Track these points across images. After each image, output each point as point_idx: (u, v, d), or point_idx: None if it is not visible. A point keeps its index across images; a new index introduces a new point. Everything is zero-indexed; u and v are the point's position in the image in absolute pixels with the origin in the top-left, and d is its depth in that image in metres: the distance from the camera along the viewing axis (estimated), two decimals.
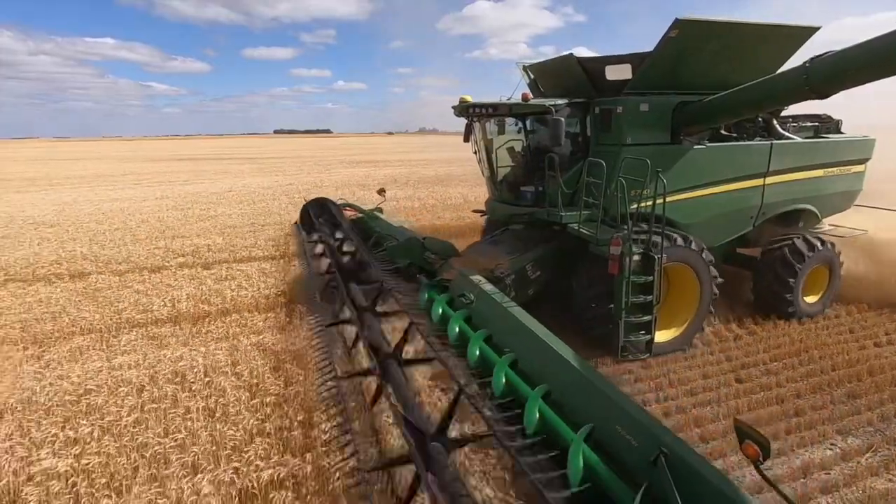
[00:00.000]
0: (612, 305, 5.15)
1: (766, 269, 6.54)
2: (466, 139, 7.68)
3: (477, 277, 5.23)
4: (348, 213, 9.69)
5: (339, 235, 8.39)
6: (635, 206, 5.18)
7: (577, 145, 6.36)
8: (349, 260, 6.97)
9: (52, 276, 8.11)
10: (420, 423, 3.12)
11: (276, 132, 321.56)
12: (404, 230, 7.95)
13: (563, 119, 5.88)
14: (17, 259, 9.14)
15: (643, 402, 4.39)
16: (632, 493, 2.45)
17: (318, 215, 10.36)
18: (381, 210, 9.49)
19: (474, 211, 8.80)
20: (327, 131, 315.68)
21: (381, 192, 10.39)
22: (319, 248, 8.15)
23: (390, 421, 3.58)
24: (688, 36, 5.48)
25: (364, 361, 4.49)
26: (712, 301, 5.88)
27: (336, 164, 34.38)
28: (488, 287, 4.99)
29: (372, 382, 3.99)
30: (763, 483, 2.43)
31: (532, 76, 7.82)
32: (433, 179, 23.33)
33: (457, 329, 4.54)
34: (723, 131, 6.64)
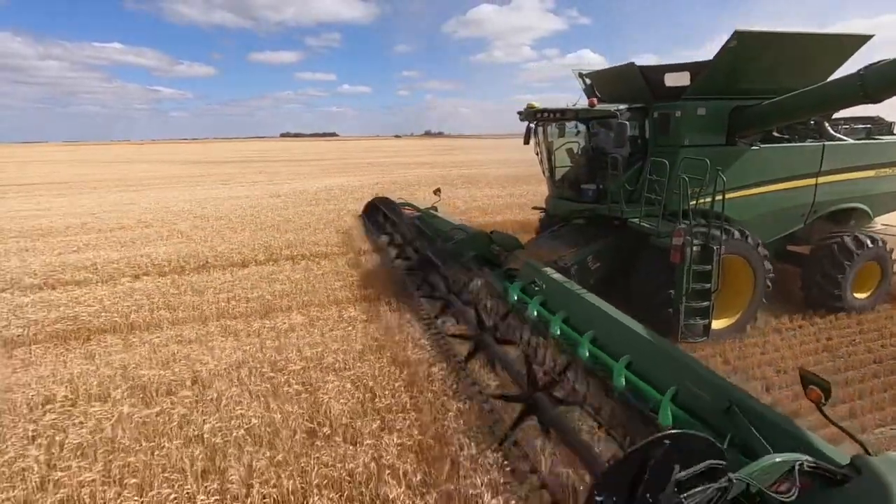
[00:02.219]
0: (671, 291, 5.50)
1: (815, 265, 6.75)
2: (526, 142, 8.06)
3: (544, 267, 5.61)
4: (406, 212, 10.18)
5: (405, 232, 8.91)
6: (694, 202, 5.52)
7: (636, 147, 6.73)
8: (425, 254, 7.47)
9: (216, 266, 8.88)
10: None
11: (282, 135, 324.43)
12: (465, 226, 8.36)
13: (627, 123, 6.29)
14: (178, 252, 9.72)
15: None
16: (718, 441, 2.75)
17: (382, 214, 10.85)
18: (436, 209, 9.90)
19: (534, 208, 9.21)
20: (333, 134, 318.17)
21: (437, 191, 10.77)
22: (390, 243, 8.81)
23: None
24: (745, 46, 5.82)
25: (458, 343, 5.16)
26: (765, 294, 6.13)
27: (369, 166, 35.14)
28: (556, 276, 5.36)
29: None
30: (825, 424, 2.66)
31: (587, 82, 8.22)
32: (471, 179, 23.81)
33: (535, 312, 4.95)
34: (775, 133, 6.93)
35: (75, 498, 3.12)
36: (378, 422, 3.84)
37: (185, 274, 8.36)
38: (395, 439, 3.61)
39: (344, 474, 3.28)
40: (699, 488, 2.13)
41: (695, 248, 5.36)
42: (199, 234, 11.62)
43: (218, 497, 3.11)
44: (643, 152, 6.65)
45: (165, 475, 3.30)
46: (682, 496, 2.10)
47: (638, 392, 3.49)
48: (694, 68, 6.30)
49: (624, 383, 3.59)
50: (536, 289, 5.22)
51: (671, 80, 6.52)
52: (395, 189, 18.25)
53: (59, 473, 3.29)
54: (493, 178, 23.72)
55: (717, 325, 5.81)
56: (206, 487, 3.17)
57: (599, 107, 6.60)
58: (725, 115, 6.35)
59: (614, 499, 2.12)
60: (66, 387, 4.44)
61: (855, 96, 5.19)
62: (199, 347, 5.35)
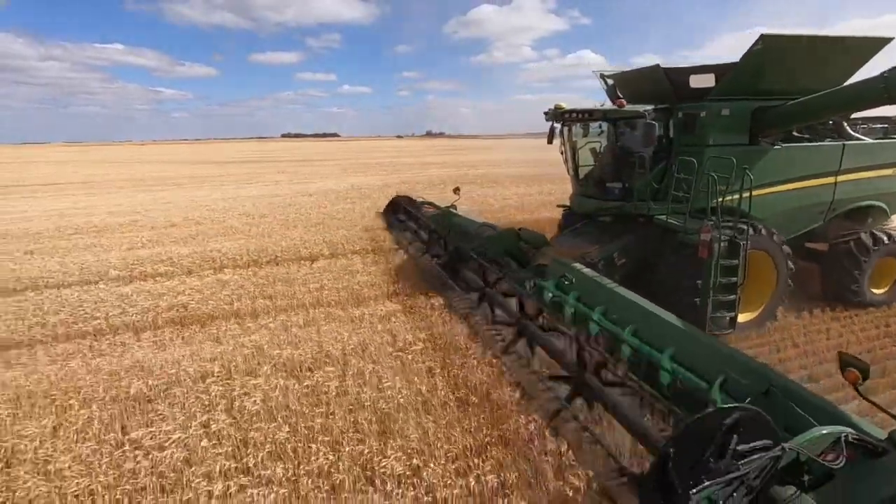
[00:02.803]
0: (698, 285, 5.67)
1: (834, 261, 7.04)
2: (550, 141, 8.19)
3: (575, 263, 5.87)
4: (426, 210, 10.54)
5: (430, 228, 9.07)
6: (720, 199, 5.77)
7: (660, 146, 6.97)
8: (452, 249, 7.60)
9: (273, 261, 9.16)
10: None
11: (283, 136, 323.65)
12: (488, 223, 8.70)
13: (655, 123, 6.53)
14: (244, 247, 10.07)
15: None
16: None
17: (404, 212, 11.16)
18: (455, 207, 10.12)
19: (559, 206, 9.45)
20: (334, 135, 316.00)
21: (456, 190, 10.97)
22: (418, 240, 9.08)
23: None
24: (771, 49, 6.09)
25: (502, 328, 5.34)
26: (786, 291, 6.40)
27: (385, 167, 35.55)
28: (587, 271, 5.62)
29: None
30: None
31: (609, 83, 8.47)
32: (494, 179, 24.22)
33: (573, 308, 5.10)
34: (794, 133, 7.18)
35: (279, 452, 3.55)
36: (518, 392, 4.27)
37: (262, 266, 8.77)
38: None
39: (507, 433, 3.71)
40: (755, 456, 2.40)
41: (722, 244, 5.57)
42: (253, 230, 12.02)
43: (402, 453, 3.54)
44: (667, 151, 6.92)
45: (348, 435, 3.73)
46: (738, 463, 2.38)
47: (684, 380, 3.71)
48: (718, 70, 6.58)
49: (671, 372, 3.81)
50: (567, 283, 5.44)
51: (696, 81, 6.78)
52: (419, 188, 18.61)
53: (254, 433, 3.73)
54: (516, 177, 24.14)
55: (739, 318, 5.99)
56: (391, 444, 3.60)
57: (627, 107, 6.81)
58: (748, 116, 6.61)
59: (683, 457, 2.38)
60: (216, 364, 4.87)
61: (879, 98, 5.44)
62: (314, 330, 5.77)
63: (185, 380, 4.56)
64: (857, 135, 7.47)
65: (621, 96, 8.17)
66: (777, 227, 6.46)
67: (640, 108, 6.76)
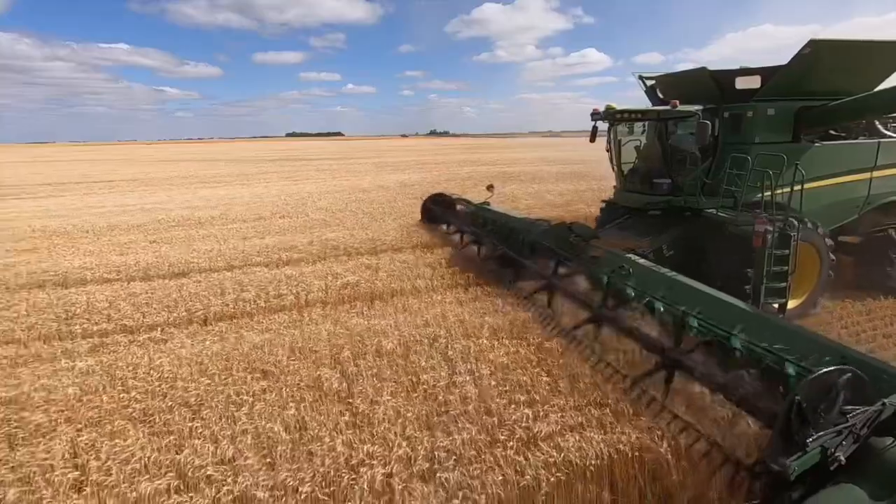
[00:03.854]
0: (749, 271, 6.02)
1: (870, 251, 7.58)
2: (592, 140, 8.91)
3: (628, 254, 6.18)
4: (462, 207, 10.99)
5: (479, 224, 9.38)
6: (769, 193, 6.22)
7: (707, 144, 7.21)
8: (505, 243, 7.92)
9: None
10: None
11: (288, 135, 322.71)
12: (542, 219, 8.89)
13: (709, 122, 6.78)
14: (353, 236, 10.71)
15: None
16: None
17: (442, 208, 11.62)
18: (488, 204, 10.37)
19: (603, 201, 9.74)
20: (339, 134, 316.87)
21: (490, 187, 11.33)
22: (462, 236, 9.56)
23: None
24: (818, 53, 6.56)
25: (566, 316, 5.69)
26: (828, 281, 6.85)
27: (406, 166, 36.27)
28: (642, 261, 5.94)
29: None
30: None
31: (647, 85, 9.09)
32: (534, 176, 24.85)
33: (633, 292, 5.23)
34: (831, 131, 7.62)
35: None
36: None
37: (391, 253, 9.49)
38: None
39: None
40: (859, 410, 2.71)
41: (774, 235, 5.94)
42: (349, 222, 12.75)
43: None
44: (713, 149, 7.30)
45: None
46: (847, 416, 2.73)
47: (755, 357, 3.78)
48: (764, 73, 7.06)
49: (742, 350, 3.88)
50: (623, 273, 5.63)
51: (742, 83, 7.25)
52: (456, 186, 18.84)
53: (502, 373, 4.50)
54: (555, 175, 24.84)
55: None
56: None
57: (680, 107, 7.10)
58: (791, 115, 7.06)
59: (802, 410, 2.74)
60: (430, 328, 5.61)
61: None
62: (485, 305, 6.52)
63: (422, 340, 5.30)
64: (889, 133, 7.86)
65: (662, 97, 8.89)
66: (818, 220, 6.88)
67: (691, 108, 7.13)
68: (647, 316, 4.88)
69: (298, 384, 4.38)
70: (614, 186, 9.35)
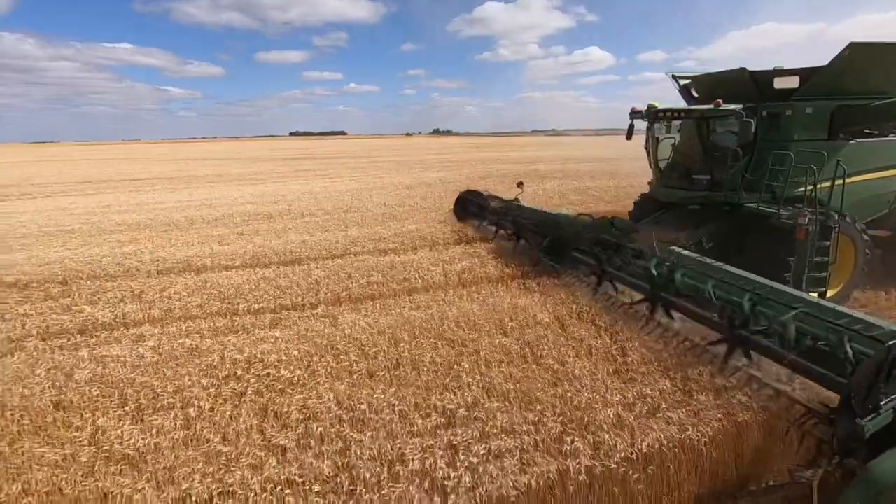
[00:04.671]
0: (791, 259, 6.37)
1: None
2: (629, 137, 9.30)
3: (671, 246, 6.50)
4: (493, 203, 11.23)
5: (519, 220, 9.41)
6: (810, 188, 6.65)
7: (748, 142, 7.64)
8: (554, 237, 8.05)
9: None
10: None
11: (292, 134, 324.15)
12: (584, 213, 9.19)
13: (752, 121, 7.14)
14: (421, 231, 11.06)
15: None
16: None
17: (476, 204, 11.85)
18: (518, 200, 10.65)
19: (642, 195, 10.06)
20: (342, 133, 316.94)
21: (520, 184, 11.66)
22: (505, 231, 9.79)
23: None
24: (857, 55, 6.92)
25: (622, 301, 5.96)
26: (863, 274, 7.21)
27: (428, 165, 36.87)
28: (686, 252, 6.30)
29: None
30: None
31: (680, 84, 9.54)
32: (568, 174, 25.40)
33: (683, 280, 5.37)
34: (865, 130, 7.96)
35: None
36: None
37: (480, 242, 10.08)
38: None
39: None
40: None
41: (815, 228, 6.37)
42: (418, 216, 13.30)
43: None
44: (751, 146, 7.64)
45: None
46: None
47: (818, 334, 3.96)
48: (803, 73, 7.43)
49: (793, 334, 4.02)
50: (668, 265, 5.83)
51: (780, 83, 7.59)
52: (490, 183, 18.99)
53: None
54: (589, 172, 25.36)
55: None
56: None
57: (724, 106, 7.44)
58: (828, 114, 7.41)
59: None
60: (557, 310, 6.20)
61: None
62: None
63: (571, 314, 5.91)
64: None
65: (697, 95, 9.38)
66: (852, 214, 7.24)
67: (734, 107, 7.47)
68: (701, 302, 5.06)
69: (487, 349, 4.97)
70: (649, 182, 9.84)
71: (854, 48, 6.88)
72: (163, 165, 40.42)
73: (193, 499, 2.98)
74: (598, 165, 28.75)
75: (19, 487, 3.07)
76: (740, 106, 7.51)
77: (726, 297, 4.77)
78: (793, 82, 7.56)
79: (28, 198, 21.02)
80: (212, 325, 5.93)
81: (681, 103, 9.61)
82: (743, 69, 8.01)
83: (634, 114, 8.72)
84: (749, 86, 7.89)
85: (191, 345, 5.21)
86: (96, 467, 3.27)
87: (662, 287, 5.41)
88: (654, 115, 8.48)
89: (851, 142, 7.57)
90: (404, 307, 6.45)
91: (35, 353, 5.17)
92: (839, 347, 3.58)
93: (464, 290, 7.26)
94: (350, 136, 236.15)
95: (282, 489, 3.06)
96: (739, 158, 7.55)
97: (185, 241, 10.86)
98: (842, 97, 7.40)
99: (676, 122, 8.92)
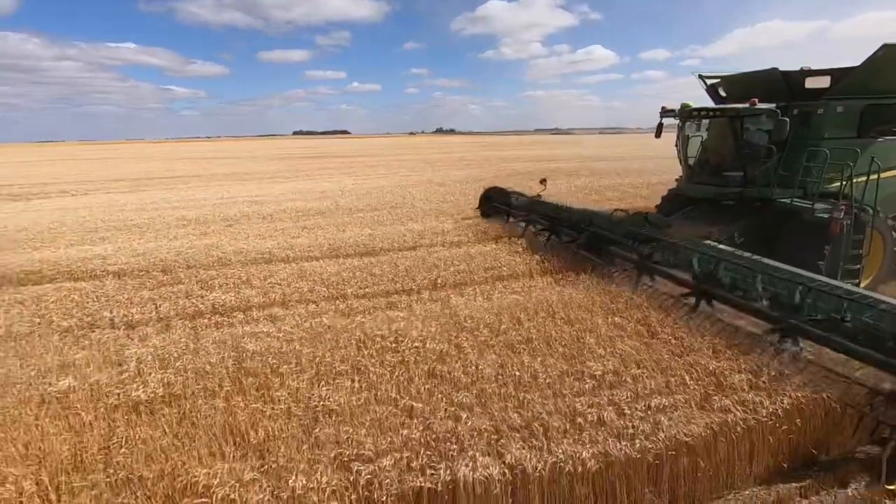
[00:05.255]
0: (826, 248, 6.59)
1: None
2: (658, 135, 9.63)
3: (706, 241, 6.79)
4: (517, 199, 11.66)
5: (552, 216, 9.79)
6: (843, 184, 6.94)
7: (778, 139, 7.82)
8: (589, 232, 8.48)
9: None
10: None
11: (295, 133, 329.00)
12: (620, 209, 9.40)
13: (787, 119, 7.26)
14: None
15: None
16: None
17: (502, 201, 12.22)
18: (540, 197, 11.11)
19: (671, 190, 10.32)
20: (345, 132, 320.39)
21: (543, 181, 12.10)
22: (535, 227, 10.14)
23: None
24: (890, 56, 7.15)
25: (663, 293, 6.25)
26: (891, 267, 7.48)
27: (447, 164, 37.34)
28: (723, 246, 6.55)
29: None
30: None
31: (708, 83, 9.75)
32: (595, 171, 25.90)
33: (728, 276, 5.68)
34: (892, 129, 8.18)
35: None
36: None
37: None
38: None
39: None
40: None
41: (850, 222, 6.62)
42: (468, 211, 13.75)
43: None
44: (784, 144, 7.81)
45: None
46: None
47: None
48: (835, 73, 7.68)
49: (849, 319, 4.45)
50: (711, 259, 6.05)
51: (811, 83, 7.85)
52: (516, 181, 19.05)
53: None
54: (617, 170, 25.86)
55: None
56: None
57: (759, 105, 7.64)
58: (858, 113, 7.69)
59: None
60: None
61: None
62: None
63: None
64: None
65: (725, 95, 9.63)
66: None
67: (769, 106, 7.71)
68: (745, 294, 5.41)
69: (603, 327, 5.42)
70: (677, 179, 10.19)
71: (889, 49, 7.09)
72: (183, 164, 41.05)
73: (412, 445, 3.45)
74: (620, 164, 29.24)
75: (262, 433, 3.57)
76: (772, 105, 7.79)
77: (774, 288, 5.04)
78: (824, 82, 7.82)
79: (68, 195, 21.54)
80: (333, 307, 6.43)
81: (707, 102, 9.84)
82: (775, 69, 8.28)
83: (666, 113, 9.07)
84: (780, 85, 8.15)
85: (327, 323, 5.69)
86: (319, 418, 3.76)
87: (706, 280, 5.72)
88: (687, 114, 8.72)
89: (879, 140, 7.84)
90: (502, 292, 6.93)
91: (188, 331, 5.67)
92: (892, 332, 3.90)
93: (554, 275, 7.65)
94: (354, 136, 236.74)
95: (489, 435, 3.55)
96: (773, 155, 7.78)
97: (254, 234, 11.35)
98: (872, 97, 7.67)
99: (705, 121, 9.14)
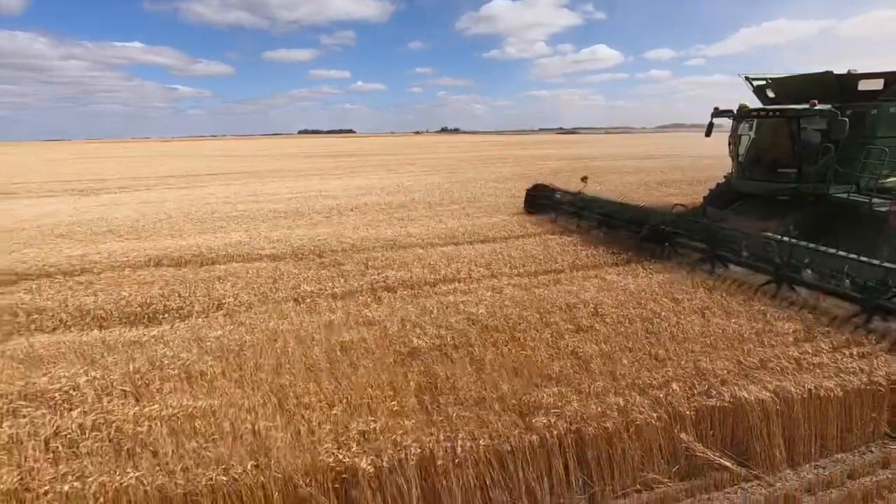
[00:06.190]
0: (882, 243, 6.88)
1: None
2: (708, 135, 10.18)
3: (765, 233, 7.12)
4: (559, 196, 12.39)
5: (606, 212, 10.30)
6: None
7: (827, 138, 8.46)
8: (652, 225, 8.75)
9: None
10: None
11: (300, 132, 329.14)
12: (681, 204, 10.33)
13: (846, 119, 7.72)
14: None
15: None
16: None
17: (547, 198, 12.80)
18: (581, 193, 11.71)
19: (719, 183, 10.93)
20: (350, 131, 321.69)
21: (584, 179, 12.72)
22: (587, 222, 10.73)
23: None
24: None
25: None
26: None
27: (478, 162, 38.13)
28: (780, 237, 6.92)
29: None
30: None
31: (755, 85, 10.42)
32: (640, 170, 26.60)
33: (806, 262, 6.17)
34: None
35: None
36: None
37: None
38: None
39: None
40: None
41: None
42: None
43: None
44: (836, 143, 8.34)
45: None
46: None
47: None
48: (887, 76, 8.22)
49: None
50: (787, 247, 6.49)
51: (865, 85, 8.37)
52: (562, 179, 19.36)
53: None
54: (662, 167, 26.55)
55: None
56: None
57: (819, 107, 8.09)
58: None
59: None
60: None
61: None
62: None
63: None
64: None
65: (773, 96, 10.32)
66: None
67: (827, 107, 8.23)
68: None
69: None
70: (726, 175, 10.81)
71: None
72: (215, 162, 41.83)
73: (684, 376, 4.28)
74: (656, 162, 30.11)
75: (557, 368, 4.46)
76: (827, 106, 8.27)
77: (854, 273, 5.60)
78: (877, 84, 8.40)
79: (129, 191, 22.32)
80: (506, 282, 7.26)
81: (753, 103, 10.28)
82: (829, 72, 8.93)
83: (720, 113, 9.69)
84: (834, 87, 8.63)
85: (519, 295, 6.55)
86: (590, 360, 4.62)
87: (785, 267, 6.27)
88: (746, 114, 9.29)
89: None
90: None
91: (405, 299, 6.55)
92: None
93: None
94: (359, 135, 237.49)
95: (733, 374, 4.37)
96: (829, 153, 8.25)
97: (360, 225, 12.07)
98: None
99: (756, 120, 9.65)
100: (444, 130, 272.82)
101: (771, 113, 9.18)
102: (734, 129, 10.05)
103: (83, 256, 8.98)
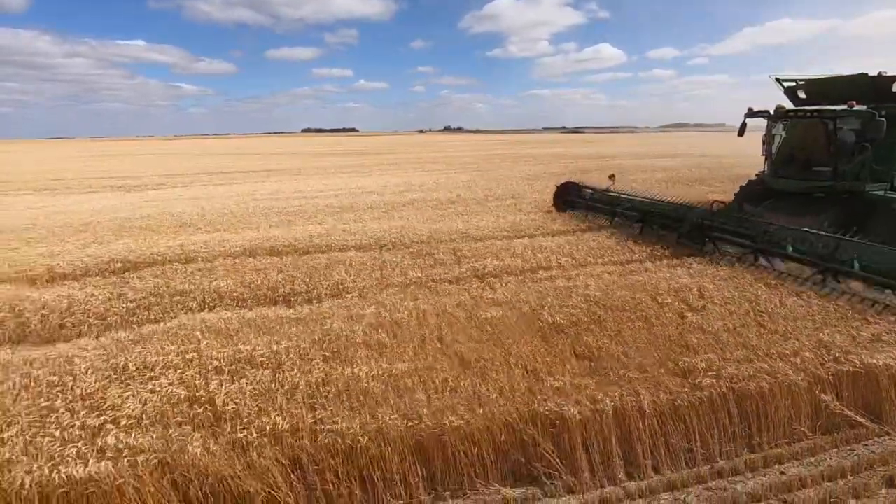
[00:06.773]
0: None
1: None
2: (741, 134, 10.50)
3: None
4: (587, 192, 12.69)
5: (642, 209, 10.45)
6: None
7: (862, 138, 8.77)
8: (696, 221, 8.91)
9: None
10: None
11: (304, 131, 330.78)
12: (719, 200, 10.71)
13: (884, 119, 8.04)
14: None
15: None
16: None
17: (577, 195, 12.95)
18: (609, 190, 12.08)
19: (752, 178, 11.23)
20: (353, 130, 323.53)
21: (612, 177, 13.02)
22: (622, 218, 10.84)
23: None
24: None
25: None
26: None
27: (501, 161, 38.70)
28: (813, 233, 7.17)
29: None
30: None
31: (785, 86, 10.85)
32: (647, 168, 27.30)
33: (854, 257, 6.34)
34: None
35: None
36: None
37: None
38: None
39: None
40: None
41: None
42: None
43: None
44: (871, 142, 8.67)
45: None
46: None
47: None
48: None
49: None
50: (833, 242, 6.72)
51: None
52: (593, 177, 19.07)
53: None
54: (689, 165, 27.06)
55: None
56: None
57: (856, 107, 8.43)
58: None
59: None
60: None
61: None
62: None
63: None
64: None
65: (805, 97, 10.74)
66: None
67: (864, 107, 8.56)
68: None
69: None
70: (758, 173, 11.13)
71: None
72: (244, 160, 42.40)
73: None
74: (676, 161, 30.68)
75: (694, 340, 5.02)
76: (863, 107, 8.60)
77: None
78: None
79: (167, 187, 22.85)
80: (602, 270, 7.78)
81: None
82: (864, 74, 9.32)
83: (754, 113, 10.08)
84: (868, 88, 8.99)
85: (619, 281, 7.09)
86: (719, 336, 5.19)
87: (831, 260, 6.61)
88: (783, 114, 9.69)
89: None
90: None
91: (516, 283, 7.10)
92: None
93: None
94: (362, 133, 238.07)
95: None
96: (866, 152, 8.58)
97: (426, 219, 12.46)
98: None
99: (788, 120, 9.96)
100: (447, 129, 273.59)
101: (809, 113, 9.55)
102: (768, 129, 10.47)
103: (182, 246, 9.50)
